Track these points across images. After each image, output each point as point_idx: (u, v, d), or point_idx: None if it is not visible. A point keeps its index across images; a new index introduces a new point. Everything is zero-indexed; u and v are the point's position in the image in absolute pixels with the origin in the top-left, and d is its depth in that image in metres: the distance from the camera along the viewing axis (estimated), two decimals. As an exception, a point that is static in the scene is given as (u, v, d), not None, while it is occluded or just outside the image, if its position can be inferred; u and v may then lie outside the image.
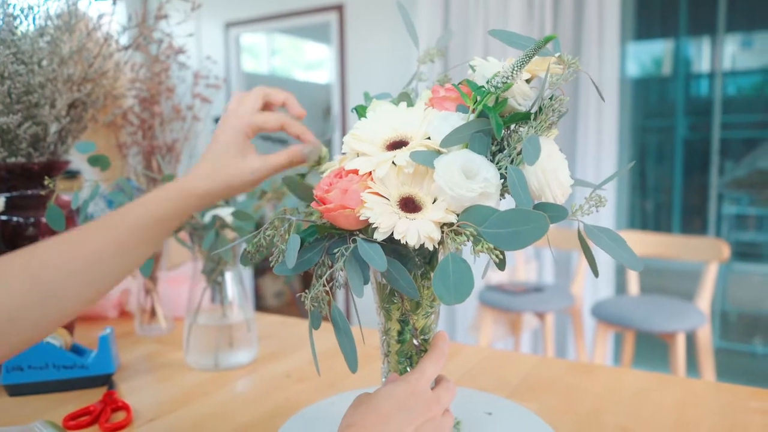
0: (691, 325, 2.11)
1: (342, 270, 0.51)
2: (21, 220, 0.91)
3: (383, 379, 0.63)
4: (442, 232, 0.49)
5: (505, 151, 0.51)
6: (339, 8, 3.51)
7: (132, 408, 0.77)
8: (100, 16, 0.97)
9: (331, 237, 0.54)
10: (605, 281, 2.86)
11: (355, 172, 0.52)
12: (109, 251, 0.56)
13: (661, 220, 3.61)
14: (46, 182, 0.84)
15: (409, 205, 0.51)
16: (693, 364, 2.27)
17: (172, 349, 1.03)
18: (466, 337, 2.98)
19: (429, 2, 3.05)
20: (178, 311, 1.17)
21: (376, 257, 0.48)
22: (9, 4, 0.84)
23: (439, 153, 0.51)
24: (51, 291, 0.53)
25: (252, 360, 0.96)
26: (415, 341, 0.61)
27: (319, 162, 0.69)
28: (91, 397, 0.82)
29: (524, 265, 2.82)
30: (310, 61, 5.28)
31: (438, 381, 0.58)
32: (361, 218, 0.50)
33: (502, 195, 0.51)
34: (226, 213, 0.90)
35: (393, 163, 0.51)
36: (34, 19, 0.87)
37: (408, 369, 0.61)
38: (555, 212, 0.49)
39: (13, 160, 0.87)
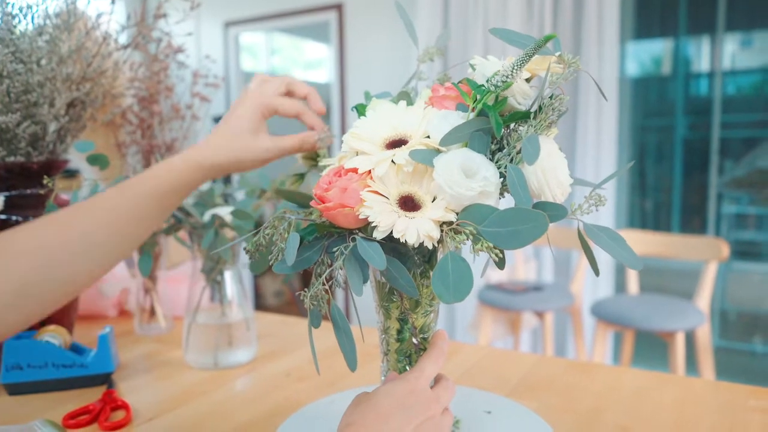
0: (691, 324, 2.11)
1: (341, 269, 0.51)
2: (20, 219, 0.90)
3: (382, 378, 0.63)
4: (442, 230, 0.49)
5: (504, 150, 0.51)
6: (338, 7, 3.51)
7: (131, 407, 0.77)
8: (99, 15, 0.97)
9: (331, 236, 0.54)
10: (605, 280, 2.86)
11: (355, 170, 0.52)
12: (119, 221, 0.57)
13: (661, 220, 3.61)
14: (45, 181, 0.84)
15: (409, 203, 0.51)
16: (692, 363, 2.27)
17: (171, 348, 1.03)
18: (466, 336, 2.98)
19: (428, 1, 3.04)
20: (177, 310, 1.17)
21: (376, 256, 0.48)
22: (8, 3, 0.84)
23: (438, 152, 0.51)
24: (60, 261, 0.54)
25: (251, 359, 0.96)
26: (414, 340, 0.61)
27: (317, 158, 0.69)
28: (91, 396, 0.82)
29: (524, 264, 2.82)
30: (310, 61, 5.27)
31: (437, 380, 0.58)
32: (361, 217, 0.50)
33: (501, 194, 0.51)
34: (225, 212, 0.90)
35: (392, 161, 0.51)
36: (32, 18, 0.87)
37: (407, 368, 0.61)
38: (554, 211, 0.49)
39: (12, 159, 0.87)
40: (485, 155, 0.50)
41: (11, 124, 0.84)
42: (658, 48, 3.63)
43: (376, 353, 0.94)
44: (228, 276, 0.94)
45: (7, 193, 0.90)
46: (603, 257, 2.70)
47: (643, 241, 2.39)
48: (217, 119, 0.78)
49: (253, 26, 3.90)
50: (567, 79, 0.51)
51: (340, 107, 3.58)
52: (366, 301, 0.60)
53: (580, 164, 2.81)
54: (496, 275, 2.69)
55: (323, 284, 0.53)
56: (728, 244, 2.20)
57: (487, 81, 0.51)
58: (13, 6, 0.85)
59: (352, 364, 0.54)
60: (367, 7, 3.44)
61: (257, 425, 0.73)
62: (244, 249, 0.59)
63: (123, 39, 1.02)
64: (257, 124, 0.63)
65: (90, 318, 1.22)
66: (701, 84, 3.52)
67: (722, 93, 3.26)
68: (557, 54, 0.53)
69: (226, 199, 1.00)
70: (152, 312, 1.13)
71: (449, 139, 0.50)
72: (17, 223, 0.91)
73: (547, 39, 0.50)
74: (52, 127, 0.91)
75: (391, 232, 0.49)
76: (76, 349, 0.88)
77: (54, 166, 0.92)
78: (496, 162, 0.51)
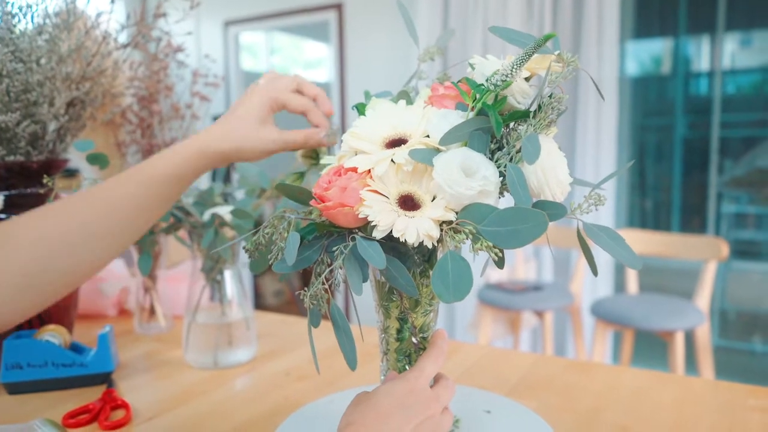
0: (690, 323, 2.11)
1: (341, 268, 0.51)
2: (20, 218, 0.90)
3: (382, 378, 0.63)
4: (441, 230, 0.49)
5: (504, 149, 0.51)
6: (338, 7, 3.50)
7: (131, 406, 0.77)
8: (99, 15, 0.97)
9: (330, 235, 0.54)
10: (604, 280, 2.86)
11: (354, 170, 0.52)
12: (123, 206, 0.57)
13: (661, 219, 3.61)
14: (44, 181, 0.84)
15: (408, 203, 0.51)
16: (692, 363, 2.27)
17: (171, 347, 1.03)
18: (466, 336, 2.98)
19: (428, 1, 3.04)
20: (177, 309, 1.17)
21: (375, 255, 0.48)
22: (7, 3, 0.84)
23: (438, 151, 0.51)
24: (60, 252, 0.54)
25: (251, 358, 0.96)
26: (414, 339, 0.61)
27: (317, 157, 0.69)
28: (91, 396, 0.82)
29: (523, 264, 2.82)
30: (310, 60, 5.27)
31: (437, 379, 0.58)
32: (360, 216, 0.50)
33: (501, 193, 0.51)
34: (225, 211, 0.90)
35: (392, 161, 0.51)
36: (32, 17, 0.87)
37: (407, 367, 0.61)
38: (554, 210, 0.49)
39: (11, 158, 0.87)
40: (485, 154, 0.50)
41: (11, 123, 0.84)
42: (658, 47, 3.63)
43: (375, 353, 0.94)
44: (228, 275, 0.94)
45: (6, 193, 0.90)
46: (603, 256, 2.71)
47: (642, 241, 2.39)
48: (216, 118, 0.78)
49: (253, 25, 3.90)
50: (566, 78, 0.51)
51: (339, 107, 3.58)
52: (366, 300, 0.60)
53: (580, 163, 2.81)
54: (495, 275, 2.69)
55: (323, 283, 0.53)
56: (728, 244, 2.20)
57: (487, 80, 0.51)
58: (12, 5, 0.85)
59: (351, 363, 0.54)
60: (367, 7, 3.44)
61: (257, 424, 0.73)
62: (244, 248, 0.59)
63: (123, 38, 1.02)
64: (264, 116, 0.63)
65: (90, 317, 1.22)
66: (701, 83, 3.52)
67: (722, 92, 3.26)
68: (556, 53, 0.53)
69: (226, 198, 1.00)
70: (152, 311, 1.13)
71: (449, 139, 0.50)
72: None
73: (547, 38, 0.50)
74: (52, 126, 0.91)
75: (391, 232, 0.49)
76: (75, 348, 0.88)
77: (54, 166, 0.92)
78: (496, 161, 0.51)
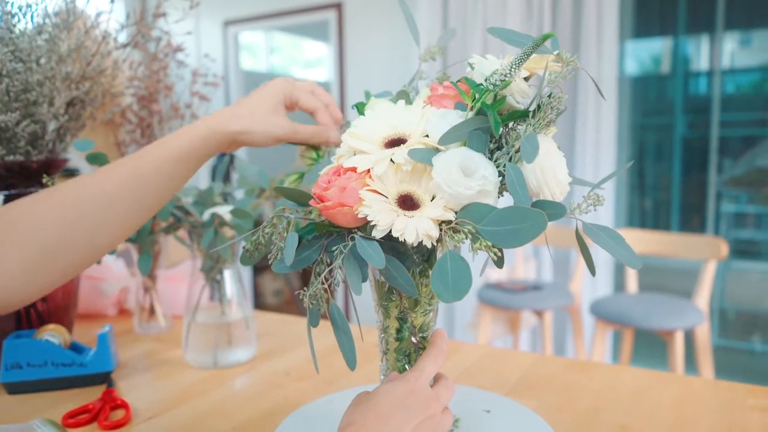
0: (690, 323, 2.12)
1: (340, 268, 0.51)
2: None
3: (382, 377, 0.63)
4: (441, 229, 0.49)
5: (503, 149, 0.51)
6: (338, 6, 3.50)
7: (131, 406, 0.77)
8: (98, 14, 0.97)
9: (330, 235, 0.54)
10: (604, 279, 2.86)
11: (354, 169, 0.52)
12: (140, 182, 0.58)
13: (660, 218, 3.61)
14: (44, 180, 0.84)
15: (408, 202, 0.51)
16: (691, 362, 2.28)
17: (170, 347, 1.03)
18: (465, 335, 2.98)
19: (428, 1, 3.04)
20: (176, 309, 1.17)
21: (375, 255, 0.48)
22: (7, 2, 0.84)
23: (437, 151, 0.51)
24: (87, 223, 0.56)
25: (251, 358, 0.96)
26: (413, 339, 0.61)
27: (318, 158, 0.69)
28: (90, 395, 0.82)
29: (523, 264, 2.83)
30: (309, 60, 5.28)
31: (437, 379, 0.58)
32: (360, 216, 0.50)
33: (500, 193, 0.51)
34: (224, 211, 0.90)
35: (391, 160, 0.51)
36: (32, 16, 0.87)
37: (406, 367, 0.61)
38: (553, 210, 0.49)
39: (11, 158, 0.87)
40: (484, 154, 0.50)
41: (11, 122, 0.84)
42: (658, 47, 3.63)
43: (375, 352, 0.94)
44: (227, 275, 0.94)
45: (6, 192, 0.90)
46: (602, 256, 2.71)
47: (642, 240, 2.39)
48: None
49: (253, 25, 3.90)
50: (565, 78, 0.51)
51: (339, 106, 3.57)
52: (365, 300, 0.60)
53: (580, 163, 2.81)
54: (495, 274, 2.69)
55: (322, 283, 0.53)
56: (727, 243, 2.20)
57: (486, 80, 0.51)
58: (12, 5, 0.85)
59: (351, 363, 0.54)
60: (367, 6, 3.44)
61: (257, 424, 0.73)
62: (244, 248, 0.59)
63: (122, 38, 1.02)
64: (277, 105, 0.64)
65: (89, 317, 1.22)
66: (700, 83, 3.52)
67: (721, 92, 3.26)
68: (555, 53, 0.53)
69: (226, 197, 1.00)
70: (152, 311, 1.13)
71: (448, 138, 0.50)
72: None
73: (545, 38, 0.50)
74: (52, 126, 0.91)
75: (390, 231, 0.49)
76: (75, 348, 0.88)
77: (53, 165, 0.92)
78: (495, 161, 0.51)
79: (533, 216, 0.45)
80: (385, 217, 0.49)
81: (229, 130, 0.61)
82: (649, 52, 3.63)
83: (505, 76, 0.50)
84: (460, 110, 0.54)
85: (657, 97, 3.71)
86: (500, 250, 0.47)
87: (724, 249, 2.18)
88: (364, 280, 0.52)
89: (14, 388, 0.83)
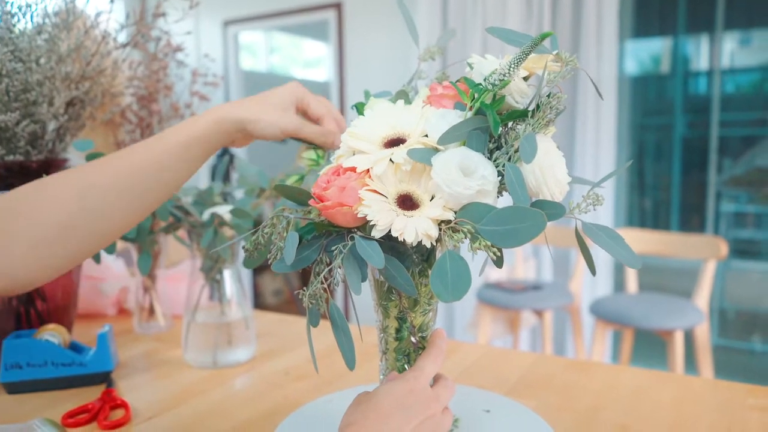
0: (690, 322, 2.12)
1: (340, 267, 0.51)
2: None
3: (381, 377, 0.63)
4: (440, 229, 0.49)
5: (502, 149, 0.51)
6: (337, 6, 3.50)
7: (130, 406, 0.77)
8: (98, 14, 0.97)
9: (329, 234, 0.54)
10: (604, 279, 2.86)
11: (353, 169, 0.52)
12: (150, 168, 0.59)
13: (660, 218, 3.61)
14: (44, 180, 0.84)
15: (407, 202, 0.51)
16: (691, 362, 2.28)
17: (170, 346, 1.03)
18: (465, 335, 2.99)
19: (428, 0, 3.04)
20: (176, 309, 1.17)
21: (374, 254, 0.48)
22: (7, 2, 0.84)
23: (436, 150, 0.51)
24: (98, 208, 0.57)
25: (250, 358, 0.96)
26: (413, 339, 0.61)
27: (319, 159, 0.69)
28: (90, 395, 0.82)
29: (523, 263, 2.83)
30: (309, 59, 5.28)
31: (436, 379, 0.58)
32: (359, 216, 0.50)
33: (499, 192, 0.51)
34: (224, 211, 0.90)
35: (391, 160, 0.51)
36: (31, 16, 0.87)
37: (406, 366, 0.61)
38: (552, 210, 0.49)
39: (11, 158, 0.87)
40: (483, 154, 0.50)
41: (10, 122, 0.84)
42: (657, 46, 3.63)
43: (374, 352, 0.94)
44: (227, 275, 0.94)
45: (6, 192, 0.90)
46: (602, 256, 2.71)
47: (641, 240, 2.39)
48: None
49: (253, 25, 3.90)
50: (564, 78, 0.51)
51: (339, 106, 3.58)
52: (365, 300, 0.60)
53: (579, 163, 2.81)
54: (495, 274, 2.69)
55: (322, 283, 0.53)
56: (727, 243, 2.21)
57: (485, 80, 0.51)
58: (12, 5, 0.85)
59: (350, 362, 0.54)
60: (366, 6, 3.44)
61: (256, 424, 0.73)
62: (243, 248, 0.59)
63: (122, 38, 1.02)
64: (288, 104, 0.65)
65: (89, 317, 1.22)
66: (700, 82, 3.52)
67: (721, 91, 3.26)
68: (555, 52, 0.53)
69: (225, 197, 1.00)
70: (151, 311, 1.13)
71: (447, 138, 0.50)
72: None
73: (544, 37, 0.50)
74: (51, 125, 0.91)
75: (390, 231, 0.49)
76: (75, 347, 0.88)
77: (53, 165, 0.92)
78: (494, 160, 0.51)
79: (532, 216, 0.45)
80: (385, 217, 0.49)
81: (237, 116, 0.62)
82: (649, 52, 3.64)
83: (504, 75, 0.50)
84: (459, 110, 0.54)
85: (657, 97, 3.71)
86: (499, 250, 0.47)
87: (723, 249, 2.18)
88: (364, 279, 0.52)
89: (14, 388, 0.83)
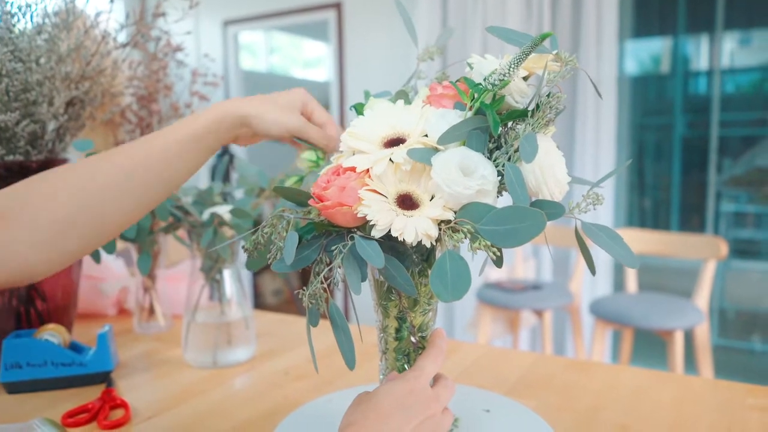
0: (689, 322, 2.12)
1: (340, 267, 0.51)
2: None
3: (381, 377, 0.63)
4: (440, 229, 0.49)
5: (502, 149, 0.51)
6: (337, 6, 3.50)
7: (130, 405, 0.77)
8: (98, 14, 0.97)
9: (329, 234, 0.54)
10: (603, 279, 2.86)
11: (353, 169, 0.52)
12: (153, 163, 0.59)
13: (660, 218, 3.61)
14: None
15: (407, 202, 0.51)
16: (691, 362, 2.28)
17: (170, 346, 1.03)
18: (465, 335, 2.98)
19: (427, 0, 3.04)
20: (176, 309, 1.17)
21: (374, 254, 0.48)
22: (6, 2, 0.84)
23: (436, 150, 0.51)
24: (98, 203, 0.57)
25: (250, 357, 0.96)
26: (412, 338, 0.61)
27: (318, 160, 0.69)
28: (90, 395, 0.82)
29: (523, 263, 2.83)
30: (309, 59, 5.28)
31: (436, 379, 0.58)
32: (359, 215, 0.50)
33: (499, 192, 0.51)
34: (224, 210, 0.90)
35: (390, 160, 0.51)
36: (31, 16, 0.87)
37: (406, 366, 0.61)
38: (552, 209, 0.49)
39: (11, 158, 0.87)
40: (483, 153, 0.50)
41: (10, 122, 0.84)
42: (657, 46, 3.63)
43: (374, 352, 0.94)
44: (227, 274, 0.94)
45: (5, 192, 0.90)
46: (602, 255, 2.71)
47: (641, 240, 2.39)
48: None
49: (252, 25, 3.90)
50: (564, 77, 0.51)
51: (339, 106, 3.58)
52: (364, 299, 0.60)
53: (579, 163, 2.81)
54: (495, 274, 2.69)
55: (321, 283, 0.53)
56: (727, 243, 2.21)
57: (485, 79, 0.51)
58: (12, 5, 0.85)
59: (350, 362, 0.54)
60: (366, 6, 3.44)
61: (256, 424, 0.74)
62: (243, 247, 0.59)
63: (122, 38, 1.02)
64: (293, 107, 0.66)
65: (89, 316, 1.22)
66: (700, 82, 3.52)
67: (721, 91, 3.26)
68: (554, 52, 0.53)
69: (225, 197, 1.00)
70: (151, 310, 1.13)
71: (447, 138, 0.50)
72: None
73: (544, 37, 0.50)
74: (51, 125, 0.91)
75: (390, 231, 0.49)
76: (75, 347, 0.88)
77: (53, 165, 0.91)
78: (494, 160, 0.51)
79: (532, 215, 0.45)
80: (385, 217, 0.49)
81: (241, 112, 0.63)
82: (649, 52, 3.64)
83: (504, 75, 0.50)
84: (459, 110, 0.54)
85: (656, 97, 3.71)
86: (499, 250, 0.47)
87: (723, 248, 2.18)
88: (364, 279, 0.52)
89: (14, 388, 0.83)
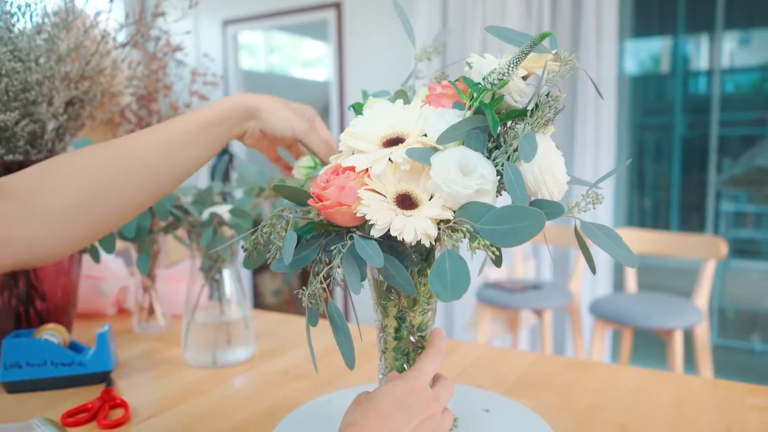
0: (689, 322, 2.12)
1: (339, 267, 0.51)
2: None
3: (380, 376, 0.63)
4: (439, 228, 0.49)
5: (501, 148, 0.51)
6: (337, 6, 3.50)
7: (130, 405, 0.77)
8: (98, 14, 0.97)
9: (328, 234, 0.54)
10: (603, 278, 2.86)
11: (352, 169, 0.52)
12: (166, 148, 0.60)
13: (660, 218, 3.61)
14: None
15: (406, 201, 0.51)
16: (691, 361, 2.28)
17: (170, 346, 1.03)
18: (464, 335, 2.99)
19: (427, 0, 3.04)
20: (176, 309, 1.17)
21: (373, 254, 0.48)
22: (6, 2, 0.84)
23: (435, 150, 0.51)
24: (113, 186, 0.58)
25: (250, 357, 0.96)
26: (412, 338, 0.61)
27: (316, 166, 0.70)
28: (90, 395, 0.82)
29: (522, 263, 2.83)
30: (308, 59, 5.28)
31: (436, 379, 0.58)
32: (358, 215, 0.50)
33: (498, 192, 0.51)
34: (223, 210, 0.90)
35: (390, 160, 0.51)
36: (31, 16, 0.87)
37: (405, 366, 0.61)
38: (551, 209, 0.49)
39: (10, 157, 0.87)
40: (482, 153, 0.50)
41: (10, 122, 0.84)
42: (657, 46, 3.63)
43: (373, 352, 0.94)
44: (226, 274, 0.94)
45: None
46: (602, 255, 2.71)
47: (641, 240, 2.39)
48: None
49: (252, 24, 3.90)
50: (564, 77, 0.51)
51: (338, 105, 3.58)
52: (364, 299, 0.60)
53: (579, 162, 2.81)
54: (494, 273, 2.69)
55: (321, 283, 0.53)
56: (727, 243, 2.21)
57: (484, 79, 0.51)
58: (11, 4, 0.85)
59: (350, 362, 0.54)
60: (366, 6, 3.44)
61: (256, 423, 0.74)
62: (243, 247, 0.59)
63: (121, 37, 1.02)
64: (301, 113, 0.68)
65: (89, 316, 1.22)
66: (700, 82, 3.52)
67: (721, 91, 3.27)
68: (554, 52, 0.53)
69: (225, 197, 1.00)
70: (151, 310, 1.13)
71: (446, 137, 0.50)
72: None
73: (543, 36, 0.50)
74: (51, 125, 0.91)
75: (389, 230, 0.49)
76: (74, 347, 0.88)
77: (52, 165, 0.92)
78: (493, 160, 0.51)
79: (531, 215, 0.45)
80: (384, 216, 0.49)
81: (253, 103, 0.65)
82: (649, 52, 3.64)
83: (503, 75, 0.50)
84: (458, 109, 0.54)
85: (656, 97, 3.71)
86: (498, 249, 0.47)
87: (723, 248, 2.18)
88: (363, 279, 0.52)
89: (13, 388, 0.83)
